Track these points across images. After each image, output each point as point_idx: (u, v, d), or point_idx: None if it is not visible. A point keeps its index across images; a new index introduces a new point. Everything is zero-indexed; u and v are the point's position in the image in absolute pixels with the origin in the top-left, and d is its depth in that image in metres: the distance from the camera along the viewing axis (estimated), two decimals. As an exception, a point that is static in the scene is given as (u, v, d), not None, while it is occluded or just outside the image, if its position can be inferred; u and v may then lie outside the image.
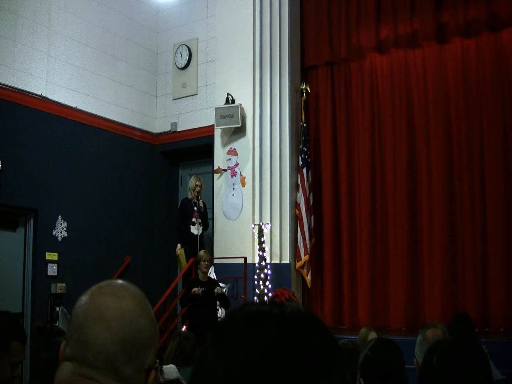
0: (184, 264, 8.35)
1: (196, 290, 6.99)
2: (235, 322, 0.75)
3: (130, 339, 1.07)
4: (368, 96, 8.86)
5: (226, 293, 7.76)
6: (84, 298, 1.14)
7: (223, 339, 0.74)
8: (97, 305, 1.10)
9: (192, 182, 8.67)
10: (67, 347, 1.12)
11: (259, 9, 8.76)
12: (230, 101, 8.61)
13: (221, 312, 7.49)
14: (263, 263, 8.04)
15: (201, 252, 7.46)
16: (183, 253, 8.48)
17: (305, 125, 8.80)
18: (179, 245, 8.56)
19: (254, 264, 8.16)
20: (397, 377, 2.50)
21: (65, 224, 8.26)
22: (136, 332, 1.08)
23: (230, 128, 8.71)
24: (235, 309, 0.78)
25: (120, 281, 1.17)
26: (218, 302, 7.27)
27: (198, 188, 8.55)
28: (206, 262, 7.25)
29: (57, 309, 7.71)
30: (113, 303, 1.10)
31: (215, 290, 7.12)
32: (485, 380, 1.76)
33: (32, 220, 7.97)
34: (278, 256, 8.42)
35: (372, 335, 4.85)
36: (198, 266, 7.30)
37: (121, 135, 9.36)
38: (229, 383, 0.69)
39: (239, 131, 8.67)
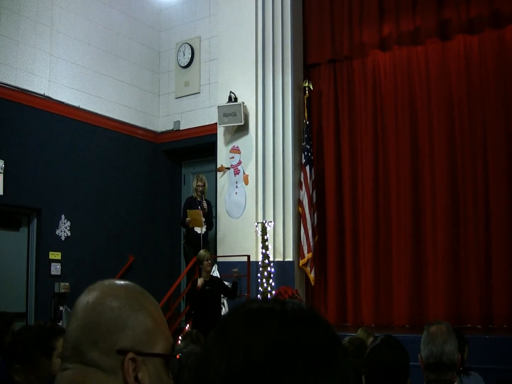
0: (197, 220, 8.35)
1: (200, 282, 7.02)
2: (237, 319, 0.75)
3: (93, 322, 1.08)
4: (370, 94, 8.84)
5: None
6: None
7: (225, 337, 0.74)
8: (75, 305, 1.12)
9: (194, 182, 8.70)
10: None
11: (261, 7, 8.75)
12: (232, 99, 8.61)
13: (224, 311, 7.49)
14: (267, 261, 8.05)
15: (202, 252, 7.33)
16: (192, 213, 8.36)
17: (307, 122, 8.79)
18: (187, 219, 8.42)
19: (258, 262, 8.16)
20: (399, 378, 2.48)
21: (68, 223, 8.27)
22: (99, 315, 1.08)
23: (233, 126, 8.71)
24: (237, 306, 0.78)
25: (106, 279, 1.18)
26: (222, 295, 7.31)
27: (201, 188, 8.56)
28: (209, 261, 7.22)
29: (61, 308, 7.73)
30: (83, 297, 1.12)
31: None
32: None
33: (35, 220, 7.98)
34: (282, 254, 8.42)
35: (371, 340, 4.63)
36: (201, 266, 7.27)
37: (124, 134, 9.37)
38: (232, 381, 0.69)
39: (242, 129, 8.67)
